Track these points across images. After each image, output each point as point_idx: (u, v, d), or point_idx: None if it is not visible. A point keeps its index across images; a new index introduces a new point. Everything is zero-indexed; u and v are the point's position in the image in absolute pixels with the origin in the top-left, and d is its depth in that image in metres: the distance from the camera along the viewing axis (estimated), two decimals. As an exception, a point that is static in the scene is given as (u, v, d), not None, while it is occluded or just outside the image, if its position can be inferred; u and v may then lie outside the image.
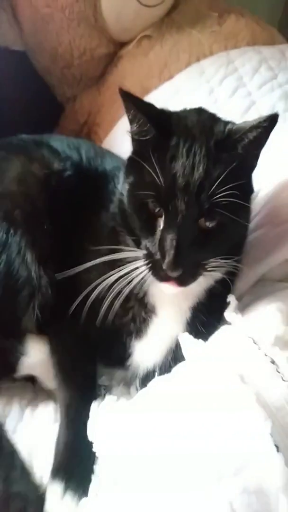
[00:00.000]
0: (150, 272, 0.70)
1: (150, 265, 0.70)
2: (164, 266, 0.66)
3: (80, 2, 1.24)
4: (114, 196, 0.84)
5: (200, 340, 0.72)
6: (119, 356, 0.83)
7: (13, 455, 0.73)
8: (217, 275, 0.76)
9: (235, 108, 1.07)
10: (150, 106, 0.73)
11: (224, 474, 0.54)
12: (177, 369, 0.72)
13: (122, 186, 0.77)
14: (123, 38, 1.33)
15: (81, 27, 1.28)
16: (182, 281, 0.69)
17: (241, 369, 0.63)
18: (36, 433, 0.79)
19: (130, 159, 0.76)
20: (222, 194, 0.65)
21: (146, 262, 0.70)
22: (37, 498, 0.68)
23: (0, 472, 0.69)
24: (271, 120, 0.68)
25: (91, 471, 0.69)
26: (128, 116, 0.70)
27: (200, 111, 0.78)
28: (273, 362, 0.64)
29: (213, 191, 0.66)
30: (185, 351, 0.73)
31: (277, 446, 0.55)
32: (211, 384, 0.64)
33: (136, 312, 0.80)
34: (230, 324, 0.73)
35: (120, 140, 1.20)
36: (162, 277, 0.69)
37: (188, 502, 0.54)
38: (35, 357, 0.84)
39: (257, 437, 0.56)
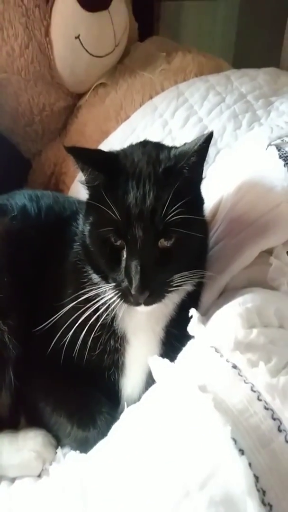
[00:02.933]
0: (121, 300, 0.76)
1: (119, 293, 0.76)
2: (133, 291, 0.72)
3: (35, 63, 1.36)
4: (76, 239, 0.90)
5: (167, 360, 0.74)
6: (110, 395, 0.86)
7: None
8: (188, 287, 0.82)
9: (188, 136, 1.15)
10: (96, 154, 0.83)
11: (191, 488, 0.55)
12: (147, 394, 0.74)
13: (83, 227, 0.83)
14: (79, 90, 1.45)
15: (38, 85, 1.40)
16: (152, 302, 0.76)
17: (204, 379, 0.65)
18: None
19: (87, 203, 0.83)
20: (174, 213, 0.72)
21: (115, 292, 0.76)
22: None
23: None
24: (208, 139, 0.76)
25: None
26: (78, 167, 0.77)
27: (145, 143, 0.86)
28: (235, 367, 0.66)
29: (165, 212, 0.72)
30: (154, 374, 0.75)
31: (242, 450, 0.56)
32: (174, 402, 0.66)
33: (105, 342, 0.83)
34: (194, 337, 0.75)
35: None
36: (133, 302, 0.75)
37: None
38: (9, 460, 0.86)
39: (218, 445, 0.57)
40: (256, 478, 0.54)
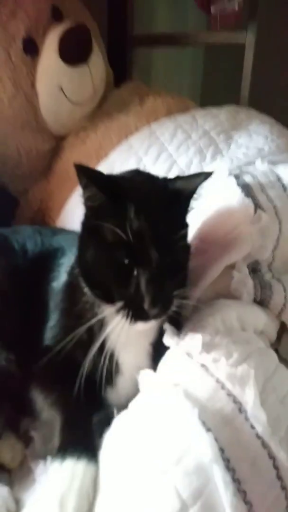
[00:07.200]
0: (132, 317, 0.80)
1: (130, 311, 0.79)
2: (146, 306, 0.77)
3: (22, 112, 1.50)
4: (66, 262, 0.99)
5: (148, 370, 0.85)
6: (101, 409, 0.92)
7: None
8: (173, 308, 0.85)
9: (160, 169, 1.28)
10: (99, 174, 0.85)
11: (168, 466, 0.65)
12: (133, 402, 0.83)
13: (82, 249, 0.86)
14: (62, 133, 1.59)
15: (25, 131, 1.54)
16: (160, 315, 0.81)
17: (178, 378, 0.77)
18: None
19: (84, 225, 0.86)
20: (179, 236, 0.82)
21: (125, 310, 0.80)
22: None
23: None
24: (207, 176, 0.87)
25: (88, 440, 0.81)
26: (81, 184, 0.80)
27: (138, 171, 0.97)
28: (203, 365, 0.77)
29: (174, 236, 0.81)
30: (140, 384, 0.86)
31: (209, 429, 0.67)
32: (153, 400, 0.77)
33: (97, 358, 0.86)
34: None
35: (70, 217, 1.43)
36: (143, 317, 0.79)
37: (141, 496, 0.66)
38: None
39: (189, 427, 0.68)
40: (222, 450, 0.64)
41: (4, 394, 0.93)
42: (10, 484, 0.86)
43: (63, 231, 1.25)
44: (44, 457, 0.86)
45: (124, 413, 0.81)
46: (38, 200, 1.63)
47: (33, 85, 1.49)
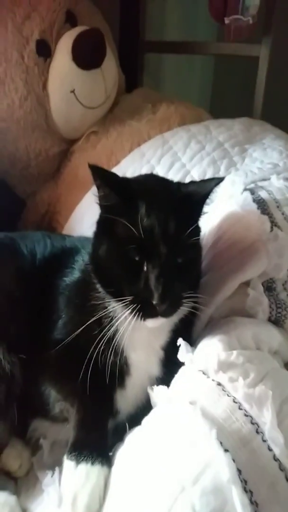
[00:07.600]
0: (139, 312, 0.81)
1: (138, 306, 0.81)
2: (155, 301, 0.78)
3: (32, 113, 1.50)
4: (80, 260, 1.00)
5: (162, 386, 0.85)
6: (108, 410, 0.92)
7: None
8: (185, 309, 0.88)
9: (173, 179, 1.27)
10: (113, 176, 0.89)
11: (186, 484, 0.66)
12: (147, 417, 0.83)
13: (95, 245, 0.89)
14: (73, 136, 1.59)
15: (35, 133, 1.54)
16: (170, 313, 0.83)
17: (194, 397, 0.77)
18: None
19: (99, 223, 0.89)
20: (190, 235, 0.83)
21: (134, 305, 0.81)
22: None
23: None
24: (219, 182, 0.89)
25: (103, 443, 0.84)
26: (96, 184, 0.84)
27: (152, 175, 1.00)
28: (219, 384, 0.77)
29: (185, 234, 0.82)
30: (152, 399, 0.86)
31: (227, 449, 0.67)
32: (170, 418, 0.77)
33: (107, 357, 0.87)
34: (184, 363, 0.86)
35: (79, 223, 1.43)
36: (152, 314, 0.81)
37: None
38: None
39: (207, 447, 0.68)
40: (239, 471, 0.65)
41: (9, 399, 0.94)
42: (17, 492, 0.86)
43: (72, 236, 1.25)
44: (52, 467, 0.87)
45: (137, 429, 0.82)
46: (45, 203, 1.63)
47: (44, 87, 1.49)
